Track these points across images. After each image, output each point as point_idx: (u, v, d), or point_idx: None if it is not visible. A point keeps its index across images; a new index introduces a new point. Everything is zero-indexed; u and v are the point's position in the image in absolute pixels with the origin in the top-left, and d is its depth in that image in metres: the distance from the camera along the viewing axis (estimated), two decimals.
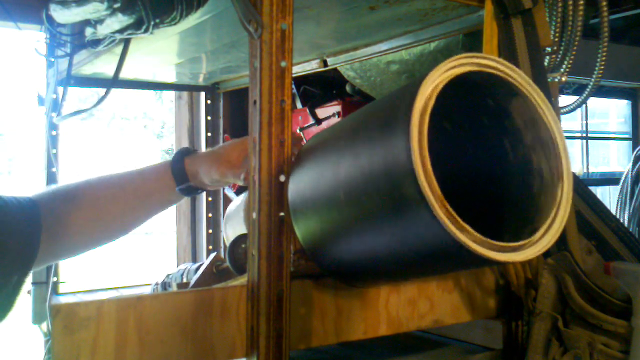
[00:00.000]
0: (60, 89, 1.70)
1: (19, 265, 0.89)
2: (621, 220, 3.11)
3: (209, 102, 2.16)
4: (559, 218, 0.67)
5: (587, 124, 4.19)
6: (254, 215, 0.83)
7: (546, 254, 0.97)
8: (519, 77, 0.70)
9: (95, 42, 1.32)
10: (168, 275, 1.75)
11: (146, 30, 1.10)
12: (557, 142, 0.71)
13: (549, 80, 1.08)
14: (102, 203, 1.02)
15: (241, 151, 1.02)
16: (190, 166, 1.04)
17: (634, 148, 3.77)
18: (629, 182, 3.21)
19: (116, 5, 1.09)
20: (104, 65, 1.62)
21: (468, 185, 0.80)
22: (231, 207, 1.78)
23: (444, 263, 0.72)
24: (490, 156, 0.78)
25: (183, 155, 1.06)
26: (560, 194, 0.69)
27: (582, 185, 1.10)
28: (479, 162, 0.80)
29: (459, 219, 0.59)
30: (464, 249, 0.59)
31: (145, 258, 8.34)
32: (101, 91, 1.55)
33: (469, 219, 0.60)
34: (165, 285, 1.71)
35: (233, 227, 1.69)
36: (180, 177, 1.04)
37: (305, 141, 1.87)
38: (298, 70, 1.67)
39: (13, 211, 0.91)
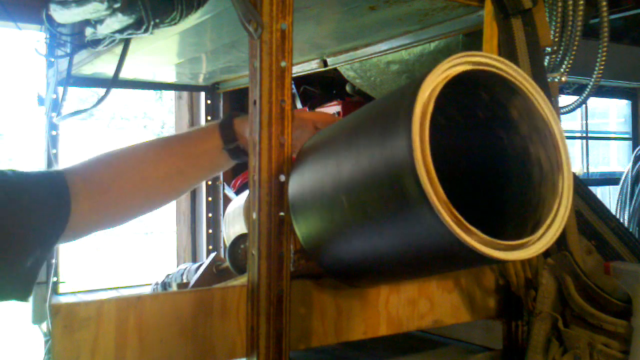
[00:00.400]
0: (60, 89, 1.70)
1: (42, 241, 0.86)
2: (621, 220, 3.11)
3: (209, 102, 2.16)
4: (559, 216, 0.67)
5: (587, 124, 4.19)
6: (254, 215, 0.83)
7: (546, 254, 0.98)
8: (516, 74, 0.70)
9: (95, 42, 1.32)
10: (168, 275, 1.75)
11: (146, 30, 1.10)
12: (555, 137, 0.71)
13: (549, 80, 1.08)
14: (146, 166, 0.97)
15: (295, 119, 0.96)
16: (238, 126, 0.98)
17: (634, 148, 3.77)
18: (629, 182, 3.21)
19: (116, 5, 1.09)
20: (104, 65, 1.62)
21: (467, 183, 0.80)
22: (231, 207, 1.78)
23: (446, 262, 0.71)
24: (489, 153, 0.78)
25: (232, 117, 1.00)
26: (560, 190, 0.69)
27: (582, 185, 1.10)
28: (477, 159, 0.80)
29: (461, 218, 0.59)
30: (468, 249, 0.59)
31: (145, 258, 8.34)
32: (101, 91, 1.55)
33: (469, 217, 0.60)
34: (165, 285, 1.72)
35: (233, 227, 1.69)
36: (228, 136, 0.98)
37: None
38: (298, 70, 1.67)
39: (35, 186, 0.87)
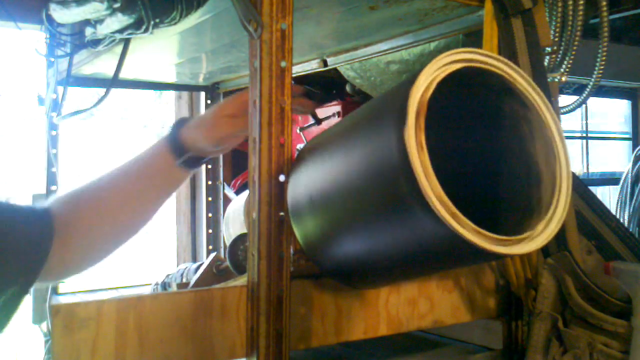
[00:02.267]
0: (60, 89, 1.70)
1: (20, 277, 0.83)
2: (621, 220, 3.11)
3: (209, 102, 2.16)
4: (557, 213, 0.67)
5: (587, 124, 4.19)
6: (254, 215, 0.83)
7: (546, 254, 0.98)
8: (515, 73, 0.70)
9: (95, 42, 1.33)
10: (168, 275, 1.75)
11: (146, 30, 1.10)
12: (554, 134, 0.71)
13: (549, 80, 1.08)
14: (105, 196, 0.95)
15: (241, 103, 0.92)
16: (186, 134, 0.94)
17: (634, 148, 3.76)
18: (629, 182, 3.21)
19: (116, 5, 1.09)
20: (104, 65, 1.62)
21: (464, 181, 0.79)
22: (231, 207, 1.78)
23: (444, 258, 0.71)
24: (487, 151, 0.78)
25: (178, 127, 0.96)
26: (558, 188, 0.69)
27: (582, 185, 1.10)
28: (475, 157, 0.80)
29: (457, 211, 0.58)
30: (463, 242, 0.59)
31: (145, 258, 8.33)
32: (101, 91, 1.55)
33: (467, 214, 0.59)
34: (165, 285, 1.72)
35: (233, 227, 1.70)
36: (177, 150, 0.95)
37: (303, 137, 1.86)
38: (298, 70, 1.67)
39: (20, 223, 0.85)
